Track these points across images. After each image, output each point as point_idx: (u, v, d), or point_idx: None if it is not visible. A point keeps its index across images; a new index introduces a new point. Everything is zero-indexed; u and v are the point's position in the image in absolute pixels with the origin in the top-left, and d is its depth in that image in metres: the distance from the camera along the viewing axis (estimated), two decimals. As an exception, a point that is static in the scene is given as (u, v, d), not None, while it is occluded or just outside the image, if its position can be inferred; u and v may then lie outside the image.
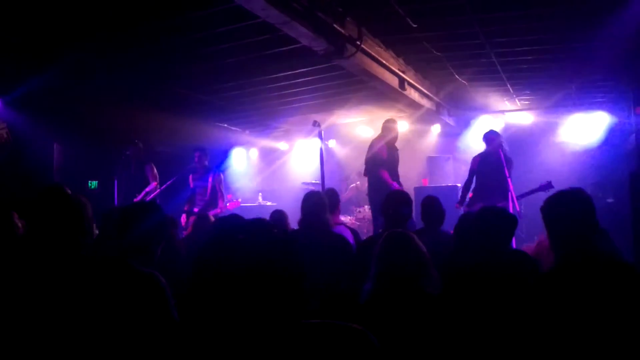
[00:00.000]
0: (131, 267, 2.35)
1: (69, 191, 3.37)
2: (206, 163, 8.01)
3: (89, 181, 8.29)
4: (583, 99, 9.43)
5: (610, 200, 8.64)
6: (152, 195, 7.44)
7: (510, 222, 3.33)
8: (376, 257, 2.79)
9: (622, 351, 2.13)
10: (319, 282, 3.65)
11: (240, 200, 8.85)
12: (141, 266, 2.40)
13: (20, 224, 3.94)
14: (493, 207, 3.48)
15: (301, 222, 4.17)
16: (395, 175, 6.98)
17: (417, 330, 2.51)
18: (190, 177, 8.02)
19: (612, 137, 9.64)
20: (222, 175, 8.09)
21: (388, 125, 7.22)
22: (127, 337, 2.20)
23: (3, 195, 6.12)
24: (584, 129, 10.11)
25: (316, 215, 4.08)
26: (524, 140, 9.85)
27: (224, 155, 11.97)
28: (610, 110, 9.71)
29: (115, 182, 7.48)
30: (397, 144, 7.35)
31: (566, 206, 2.43)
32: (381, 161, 6.90)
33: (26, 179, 6.96)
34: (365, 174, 7.25)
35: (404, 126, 10.90)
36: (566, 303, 2.25)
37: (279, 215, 4.99)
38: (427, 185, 10.24)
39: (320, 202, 4.16)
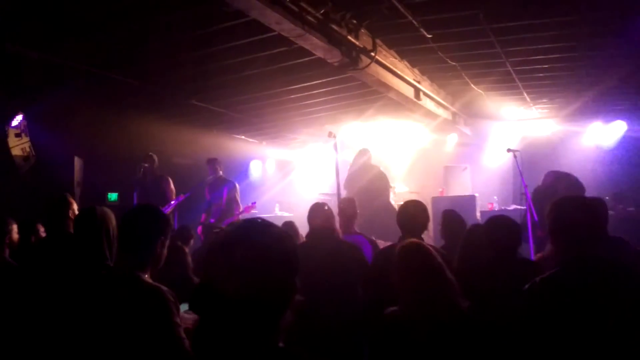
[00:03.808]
0: (139, 280, 2.36)
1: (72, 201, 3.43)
2: (221, 174, 8.10)
3: (109, 193, 8.38)
4: (601, 108, 9.34)
5: (631, 209, 8.53)
6: (170, 208, 7.50)
7: (514, 230, 3.36)
8: (395, 267, 2.77)
9: (621, 355, 2.14)
10: (332, 290, 3.67)
11: (255, 202, 8.62)
12: (149, 278, 2.41)
13: (45, 236, 4.05)
14: (499, 216, 3.53)
15: (309, 234, 4.21)
16: None
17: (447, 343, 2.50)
18: (207, 189, 8.11)
19: (631, 145, 9.53)
20: (237, 185, 8.17)
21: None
22: (130, 350, 2.21)
23: (26, 208, 6.23)
24: (603, 138, 10.00)
25: (323, 225, 4.11)
26: (541, 149, 9.77)
27: (241, 167, 12.04)
28: (629, 119, 9.60)
29: (135, 194, 7.56)
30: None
31: (569, 211, 2.44)
32: None
33: (47, 191, 7.07)
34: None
35: (420, 136, 10.95)
36: (564, 306, 2.27)
37: (288, 227, 4.99)
38: (444, 195, 10.19)
39: (326, 213, 4.18)
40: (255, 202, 8.31)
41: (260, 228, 1.46)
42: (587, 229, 2.39)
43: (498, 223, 3.41)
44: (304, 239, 4.29)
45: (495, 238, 3.29)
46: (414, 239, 3.05)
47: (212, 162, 8.12)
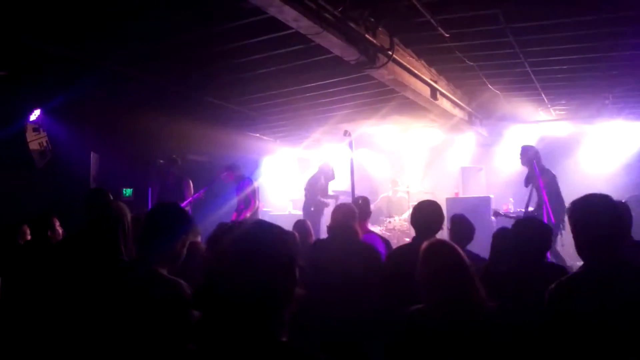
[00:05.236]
0: (157, 273, 2.37)
1: (111, 197, 3.49)
2: (239, 174, 8.28)
3: (124, 189, 8.46)
4: (620, 109, 9.19)
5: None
6: (184, 204, 7.59)
7: (544, 233, 3.30)
8: (420, 265, 2.70)
9: None
10: (343, 287, 3.66)
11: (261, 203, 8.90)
12: (167, 272, 2.42)
13: (60, 230, 4.08)
14: (528, 219, 3.47)
15: (330, 231, 4.20)
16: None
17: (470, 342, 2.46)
18: (235, 188, 8.36)
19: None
20: (252, 180, 8.44)
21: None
22: (146, 342, 2.22)
23: (42, 202, 6.30)
24: (621, 140, 9.86)
25: (345, 224, 4.10)
26: (558, 151, 9.65)
27: (254, 164, 12.06)
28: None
29: (149, 190, 7.65)
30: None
31: (592, 211, 2.38)
32: None
33: (64, 186, 7.15)
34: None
35: (436, 136, 10.88)
36: (588, 307, 2.23)
37: (300, 226, 5.00)
38: (460, 196, 10.13)
39: (350, 213, 4.17)
40: (261, 203, 8.55)
41: (247, 227, 1.49)
42: (611, 231, 2.33)
43: (527, 225, 3.33)
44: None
45: (524, 241, 3.21)
46: (439, 238, 3.00)
47: (226, 170, 8.38)
